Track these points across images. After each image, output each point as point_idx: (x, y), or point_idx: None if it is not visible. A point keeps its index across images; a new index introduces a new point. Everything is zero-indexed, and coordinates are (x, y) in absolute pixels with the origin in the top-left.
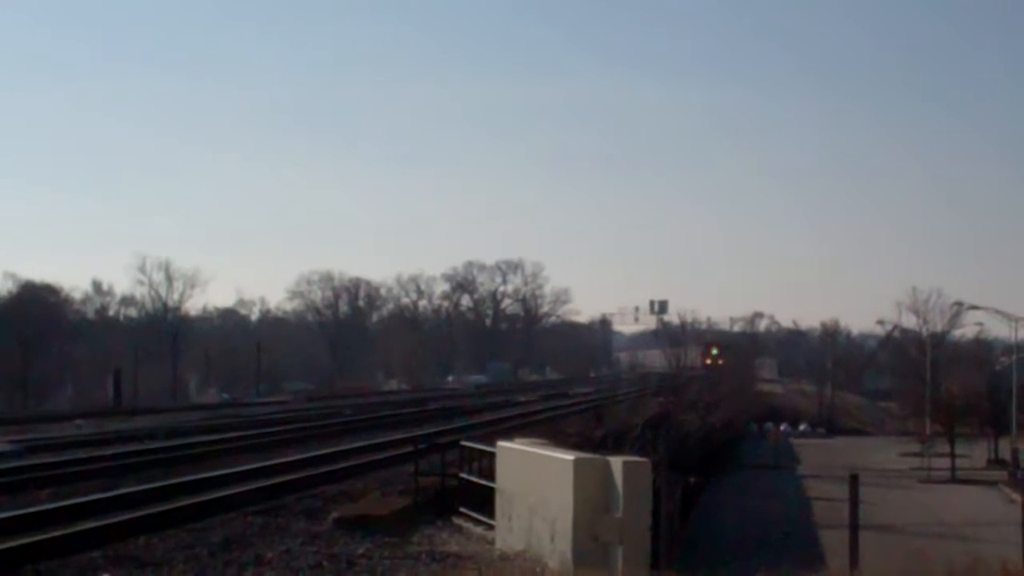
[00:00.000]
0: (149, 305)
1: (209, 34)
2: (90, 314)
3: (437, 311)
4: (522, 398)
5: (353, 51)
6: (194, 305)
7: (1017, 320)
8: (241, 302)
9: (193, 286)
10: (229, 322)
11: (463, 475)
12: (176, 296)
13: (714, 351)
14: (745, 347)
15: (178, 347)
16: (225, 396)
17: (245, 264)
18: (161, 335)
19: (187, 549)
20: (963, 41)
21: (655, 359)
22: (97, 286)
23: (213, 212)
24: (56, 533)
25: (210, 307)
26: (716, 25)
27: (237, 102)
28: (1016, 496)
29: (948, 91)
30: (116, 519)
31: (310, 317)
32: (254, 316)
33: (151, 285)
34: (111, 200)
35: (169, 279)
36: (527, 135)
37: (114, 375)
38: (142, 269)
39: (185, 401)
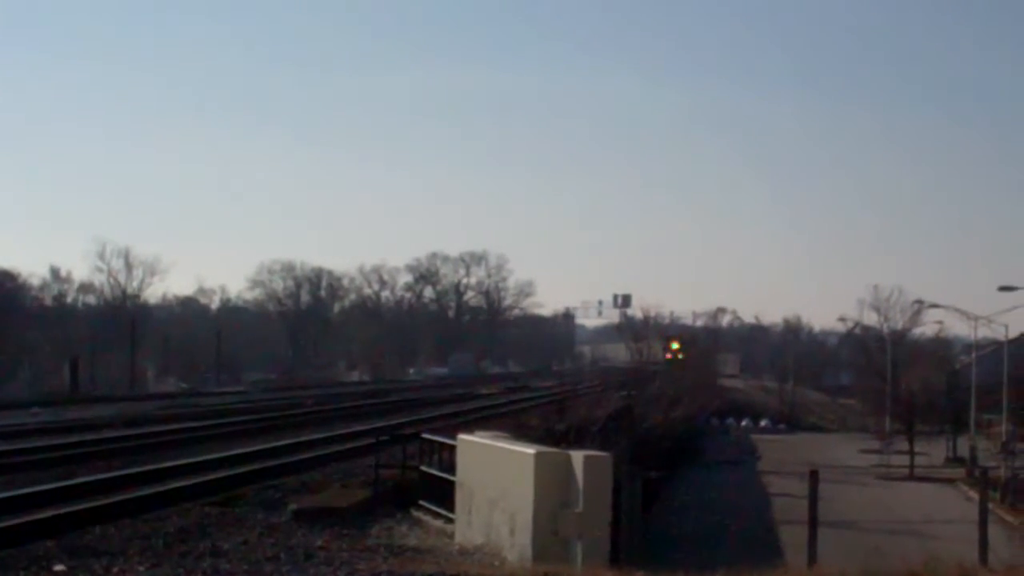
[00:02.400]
0: (108, 292)
1: (167, 21)
2: (48, 301)
3: (400, 302)
4: (484, 391)
5: (316, 40)
6: (153, 293)
7: (977, 319)
8: (201, 291)
9: (153, 274)
10: (189, 311)
11: (423, 468)
12: (135, 284)
13: (675, 345)
14: (707, 342)
15: (136, 335)
16: (183, 385)
17: (206, 252)
18: (119, 323)
19: (143, 540)
20: (934, 42)
21: (618, 353)
22: (55, 272)
23: (174, 200)
24: (10, 522)
25: (170, 295)
26: (688, 19)
27: (199, 90)
28: (973, 494)
29: (913, 91)
30: (71, 508)
31: (271, 307)
32: (214, 305)
33: (110, 272)
34: (70, 186)
35: (128, 266)
36: (492, 126)
37: (71, 362)
38: (101, 256)
39: (143, 390)
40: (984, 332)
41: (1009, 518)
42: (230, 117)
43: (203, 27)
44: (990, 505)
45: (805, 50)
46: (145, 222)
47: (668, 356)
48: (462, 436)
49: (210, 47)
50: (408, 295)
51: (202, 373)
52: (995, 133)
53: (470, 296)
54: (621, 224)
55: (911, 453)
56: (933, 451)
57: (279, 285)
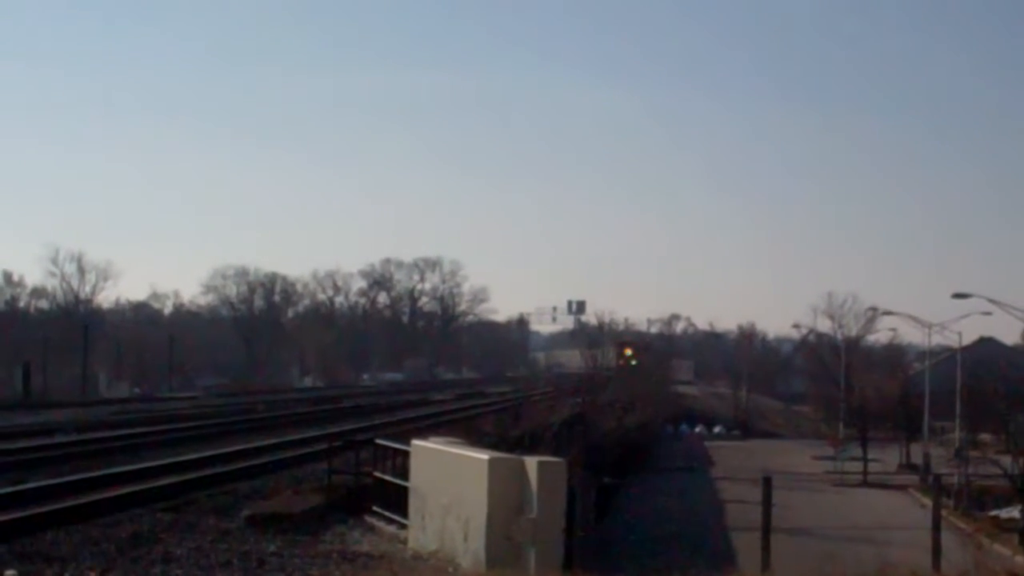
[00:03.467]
0: (61, 297)
1: (118, 25)
2: (0, 305)
3: (353, 308)
4: (438, 397)
5: (269, 43)
6: (106, 298)
7: (931, 326)
8: (154, 295)
9: (106, 278)
10: (142, 316)
11: (377, 474)
12: (88, 288)
13: (627, 352)
14: (661, 348)
15: (89, 340)
16: (136, 390)
17: (159, 257)
18: (72, 328)
19: (95, 545)
20: (891, 49)
21: (572, 359)
22: (7, 277)
23: (127, 205)
24: None
25: (123, 300)
26: (643, 22)
27: (152, 93)
28: (927, 501)
29: (869, 98)
30: (23, 514)
31: (224, 312)
32: (167, 310)
33: (63, 277)
34: (23, 191)
35: (81, 271)
36: (447, 131)
37: (24, 367)
38: (54, 261)
39: (96, 395)
40: (937, 339)
41: (962, 524)
42: (184, 122)
43: (155, 31)
44: (943, 512)
45: (761, 55)
46: (98, 227)
47: (620, 363)
48: (416, 442)
49: (162, 51)
50: (362, 301)
51: (174, 379)
52: (950, 141)
53: (424, 302)
54: (576, 230)
55: (864, 460)
56: (886, 458)
57: (232, 290)
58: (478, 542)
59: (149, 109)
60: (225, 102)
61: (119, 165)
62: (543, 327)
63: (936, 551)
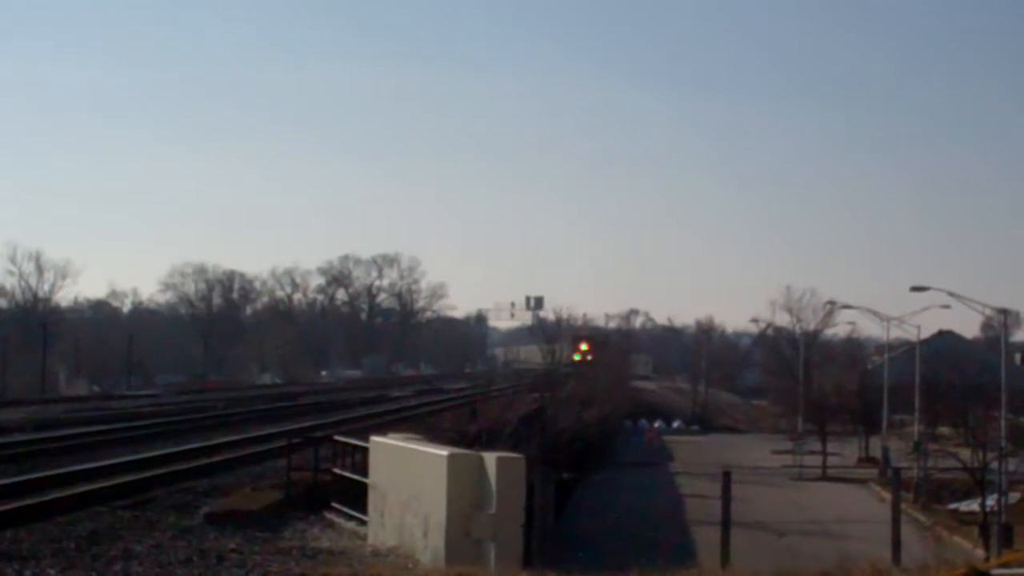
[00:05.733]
0: (19, 295)
1: (80, 19)
2: None
3: (312, 305)
4: (397, 393)
5: (227, 39)
6: (65, 296)
7: (889, 320)
8: (113, 294)
9: (64, 277)
10: (100, 314)
11: (336, 470)
12: (46, 287)
13: (583, 347)
14: (620, 343)
15: (48, 338)
16: (95, 388)
17: (117, 255)
18: (31, 326)
19: (54, 543)
20: (835, 32)
21: (531, 355)
22: None
23: (85, 203)
24: None
25: (81, 298)
26: (591, 22)
27: (109, 89)
28: (886, 494)
29: (817, 85)
30: None
31: (183, 310)
32: (126, 308)
33: (21, 275)
34: None
35: (40, 269)
36: (404, 128)
37: None
38: (12, 259)
39: (54, 393)
40: (896, 333)
41: (921, 518)
42: (140, 119)
43: (109, 28)
44: (903, 505)
45: (712, 53)
46: (56, 225)
47: (575, 357)
48: (375, 438)
49: (117, 48)
50: (320, 297)
51: (133, 377)
52: (906, 135)
53: (383, 298)
54: (534, 226)
55: (824, 453)
56: (845, 451)
57: (191, 288)
58: (437, 538)
59: (106, 108)
60: (182, 101)
61: (77, 163)
62: (501, 323)
63: (896, 545)
